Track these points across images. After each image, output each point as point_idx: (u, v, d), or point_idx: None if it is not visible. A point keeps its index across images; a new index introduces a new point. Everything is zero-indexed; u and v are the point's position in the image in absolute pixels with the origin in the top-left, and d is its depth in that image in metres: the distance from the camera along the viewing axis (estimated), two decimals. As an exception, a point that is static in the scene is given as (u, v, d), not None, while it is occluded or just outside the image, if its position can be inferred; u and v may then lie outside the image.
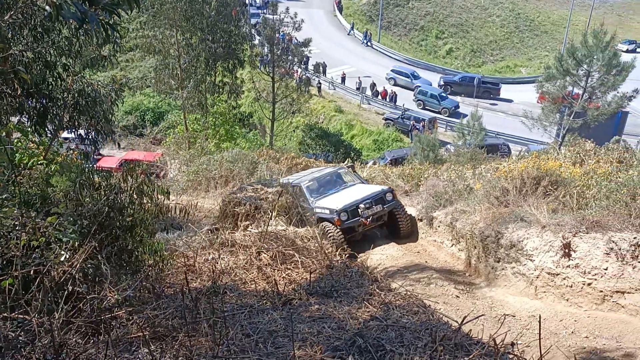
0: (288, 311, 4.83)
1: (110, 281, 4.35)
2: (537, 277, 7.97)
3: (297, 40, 34.87)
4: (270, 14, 34.12)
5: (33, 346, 3.42)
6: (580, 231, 7.46)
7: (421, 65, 48.23)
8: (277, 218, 9.34)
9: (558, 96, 25.79)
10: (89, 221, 4.81)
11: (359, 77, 42.00)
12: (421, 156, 25.22)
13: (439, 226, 11.62)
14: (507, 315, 7.40)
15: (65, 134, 9.57)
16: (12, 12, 6.29)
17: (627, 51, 47.32)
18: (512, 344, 3.79)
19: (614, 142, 14.27)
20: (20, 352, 3.38)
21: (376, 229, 12.60)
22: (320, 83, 41.37)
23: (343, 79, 42.78)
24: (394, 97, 40.55)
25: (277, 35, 32.96)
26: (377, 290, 5.61)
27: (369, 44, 50.40)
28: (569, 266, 7.51)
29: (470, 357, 3.54)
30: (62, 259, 4.19)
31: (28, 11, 6.46)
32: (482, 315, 6.79)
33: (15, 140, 6.78)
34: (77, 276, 4.11)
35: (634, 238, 6.87)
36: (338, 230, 11.57)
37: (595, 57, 23.61)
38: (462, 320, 3.98)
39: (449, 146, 30.52)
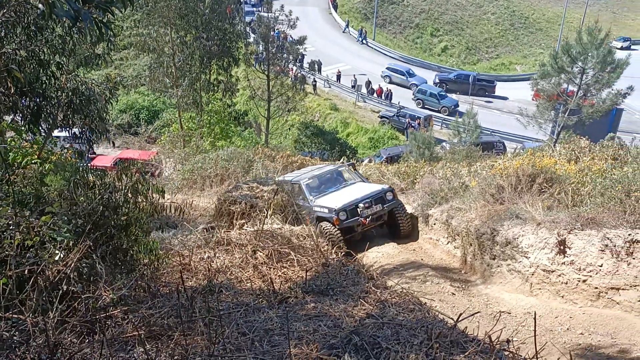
0: (284, 309, 4.82)
1: (105, 280, 4.34)
2: (533, 274, 7.99)
3: (292, 38, 34.81)
4: (265, 11, 34.05)
5: (28, 346, 3.41)
6: (575, 228, 7.48)
7: (416, 63, 48.24)
8: (272, 216, 9.33)
9: (553, 93, 25.81)
10: (83, 220, 4.79)
11: (354, 75, 41.98)
12: (417, 154, 25.25)
13: (434, 224, 11.63)
14: (503, 312, 7.41)
15: (59, 133, 9.52)
16: (4, 10, 6.26)
17: (622, 48, 47.40)
18: (508, 341, 3.80)
19: (608, 139, 14.29)
20: (15, 352, 3.37)
21: (375, 228, 12.38)
22: (315, 81, 41.34)
23: (338, 77, 42.76)
24: (389, 95, 40.55)
25: (272, 33, 32.90)
26: (373, 288, 5.62)
27: (364, 41, 50.37)
28: (564, 263, 7.53)
29: (466, 354, 3.54)
30: (57, 258, 4.17)
31: (21, 9, 6.43)
32: (478, 312, 6.80)
33: (9, 139, 6.75)
34: (71, 275, 4.09)
35: (629, 235, 6.89)
36: (337, 229, 11.37)
37: (589, 54, 23.65)
38: (458, 318, 3.99)
39: (444, 144, 30.55)
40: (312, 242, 7.14)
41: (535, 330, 3.58)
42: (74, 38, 7.84)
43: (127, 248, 5.27)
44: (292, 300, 5.25)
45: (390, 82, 42.80)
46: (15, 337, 3.47)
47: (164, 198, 6.55)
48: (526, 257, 8.10)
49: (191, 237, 7.55)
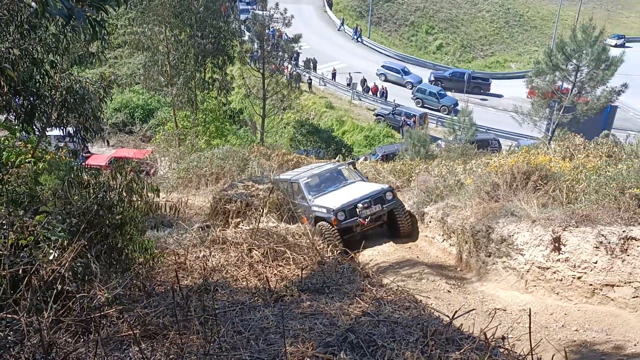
0: (279, 308, 4.82)
1: (100, 280, 4.33)
2: (528, 271, 8.02)
3: (287, 36, 34.76)
4: (259, 9, 33.98)
5: (22, 346, 3.40)
6: (570, 225, 7.50)
7: (411, 61, 48.26)
8: (268, 215, 9.32)
9: (548, 91, 25.89)
10: (77, 219, 4.77)
11: (349, 73, 41.96)
12: (412, 152, 25.28)
13: (430, 221, 11.65)
14: (498, 309, 7.44)
15: (53, 132, 9.48)
16: (-3, 9, 6.22)
17: (616, 46, 47.63)
18: (503, 338, 3.82)
19: (603, 137, 14.34)
20: (9, 352, 3.36)
21: (374, 228, 12.18)
22: (310, 79, 41.28)
23: (334, 75, 42.73)
24: (384, 93, 40.57)
25: (267, 31, 32.84)
26: (369, 286, 5.62)
27: (359, 39, 50.34)
28: (559, 260, 7.55)
29: (462, 351, 3.55)
30: (51, 257, 4.15)
31: (14, 7, 6.39)
32: (473, 309, 6.82)
33: (3, 139, 6.71)
34: (66, 275, 4.08)
35: (623, 231, 6.92)
36: (335, 230, 11.24)
37: (584, 51, 23.72)
38: (453, 315, 4.00)
39: (439, 142, 30.60)
40: (308, 241, 7.14)
41: (530, 327, 3.59)
42: (67, 36, 7.79)
43: (122, 247, 5.26)
44: (288, 299, 5.25)
45: (386, 80, 42.81)
46: (9, 337, 3.46)
47: (159, 197, 6.53)
48: (521, 254, 8.12)
49: (186, 236, 7.54)
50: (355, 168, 13.91)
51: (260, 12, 33.21)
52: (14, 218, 4.28)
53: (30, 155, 6.57)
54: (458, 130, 27.06)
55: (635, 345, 6.10)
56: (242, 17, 39.28)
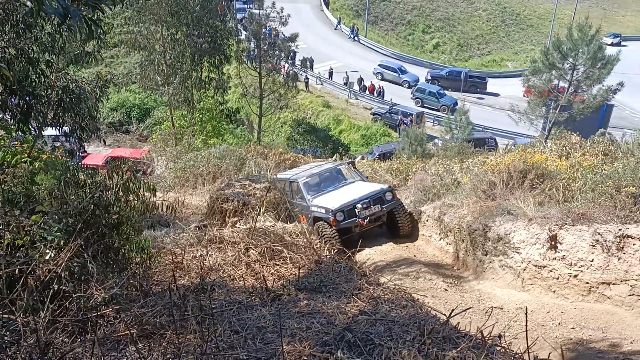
0: (277, 307, 4.82)
1: (96, 279, 4.32)
2: (524, 270, 8.04)
3: (283, 35, 34.74)
4: (256, 8, 33.94)
5: (18, 346, 3.39)
6: (566, 223, 7.52)
7: (408, 59, 48.27)
8: (265, 214, 9.31)
9: (544, 90, 25.92)
10: (74, 219, 4.76)
11: (346, 72, 41.94)
12: (409, 151, 25.31)
13: (427, 220, 11.66)
14: (495, 307, 7.45)
15: (47, 132, 9.46)
16: (-7, 8, 6.20)
17: (612, 44, 47.73)
18: (500, 336, 3.82)
19: (599, 135, 14.35)
20: (6, 352, 3.35)
21: (373, 228, 12.11)
22: (307, 78, 41.27)
23: (330, 74, 42.72)
24: (381, 92, 40.57)
25: (263, 30, 32.81)
26: (366, 284, 5.62)
27: (355, 38, 50.34)
28: (555, 258, 7.57)
29: (458, 349, 3.56)
30: (48, 257, 4.14)
31: (9, 7, 6.37)
32: (470, 308, 6.84)
33: (-1, 138, 6.69)
34: (62, 275, 4.07)
35: (619, 230, 6.94)
36: (334, 231, 11.18)
37: (580, 50, 23.75)
38: (450, 313, 4.00)
39: (436, 140, 30.63)
40: (305, 240, 7.14)
41: (526, 325, 3.60)
42: (63, 36, 7.76)
43: (119, 247, 5.24)
44: (285, 298, 5.24)
45: (382, 79, 42.81)
46: (5, 337, 3.45)
47: (155, 196, 6.52)
48: (518, 252, 8.14)
49: (183, 236, 7.52)
50: (354, 167, 13.81)
51: (257, 11, 33.20)
52: (10, 218, 4.27)
53: (26, 155, 6.56)
54: (455, 129, 27.10)
55: (631, 343, 6.12)
56: (239, 16, 39.28)
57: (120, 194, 5.38)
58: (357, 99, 41.17)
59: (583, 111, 25.14)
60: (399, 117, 36.13)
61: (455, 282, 8.98)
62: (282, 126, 39.40)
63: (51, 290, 3.95)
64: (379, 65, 43.91)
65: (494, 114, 38.14)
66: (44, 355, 3.37)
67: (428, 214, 11.60)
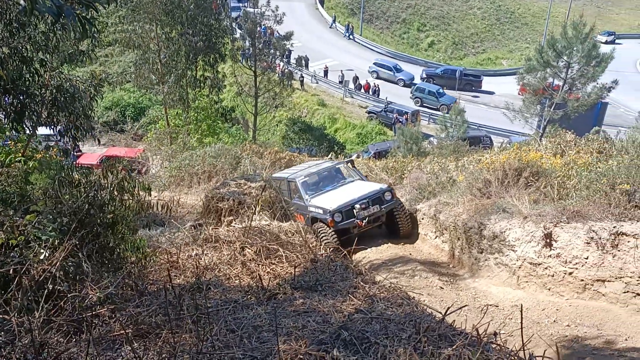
0: (272, 306, 4.81)
1: (91, 279, 4.31)
2: (520, 267, 8.06)
3: (278, 33, 34.68)
4: (251, 7, 33.86)
5: (13, 346, 3.37)
6: (561, 221, 7.54)
7: (403, 58, 48.31)
8: (260, 213, 9.30)
9: (539, 88, 26.01)
10: (68, 219, 4.74)
11: (341, 71, 41.93)
12: (404, 149, 25.35)
13: (422, 218, 11.68)
14: (490, 305, 7.46)
15: (40, 131, 9.42)
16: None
17: (606, 42, 47.91)
18: (495, 334, 3.83)
19: (593, 133, 14.43)
20: (0, 353, 3.33)
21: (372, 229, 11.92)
22: (302, 77, 41.22)
23: (325, 73, 42.70)
24: (376, 91, 40.58)
25: (258, 28, 32.75)
26: (362, 283, 5.62)
27: (351, 37, 50.33)
28: (550, 256, 7.59)
29: (454, 347, 3.56)
30: (42, 257, 4.13)
31: (2, 5, 6.33)
32: (466, 305, 6.84)
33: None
34: (57, 274, 4.05)
35: (614, 227, 6.96)
36: (332, 231, 11.03)
37: (574, 48, 23.85)
38: (446, 311, 4.01)
39: (432, 139, 30.68)
40: (301, 238, 7.14)
41: (522, 323, 3.61)
42: (57, 34, 7.73)
43: (114, 246, 5.22)
44: (281, 297, 5.24)
45: (378, 78, 42.84)
46: (0, 338, 3.43)
47: (150, 195, 6.50)
48: (513, 250, 8.16)
49: (179, 235, 7.51)
50: (353, 166, 13.61)
51: (252, 10, 33.13)
52: (4, 217, 4.25)
53: (20, 155, 6.53)
54: (450, 127, 27.15)
55: (626, 340, 6.15)
56: (234, 14, 39.15)
57: (115, 193, 5.36)
58: (353, 97, 41.17)
59: (577, 109, 25.25)
60: (395, 115, 36.14)
61: (451, 280, 8.99)
62: (277, 125, 39.35)
63: (46, 290, 3.93)
64: (374, 63, 43.92)
65: (489, 112, 38.24)
66: (39, 355, 3.36)
67: (424, 212, 11.62)
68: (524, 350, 3.52)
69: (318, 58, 44.25)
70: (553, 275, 7.57)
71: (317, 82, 42.60)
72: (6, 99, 7.26)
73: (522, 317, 3.63)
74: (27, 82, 7.29)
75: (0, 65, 6.09)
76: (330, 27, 52.05)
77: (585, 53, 23.68)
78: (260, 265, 6.26)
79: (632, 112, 38.23)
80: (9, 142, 7.34)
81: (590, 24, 23.92)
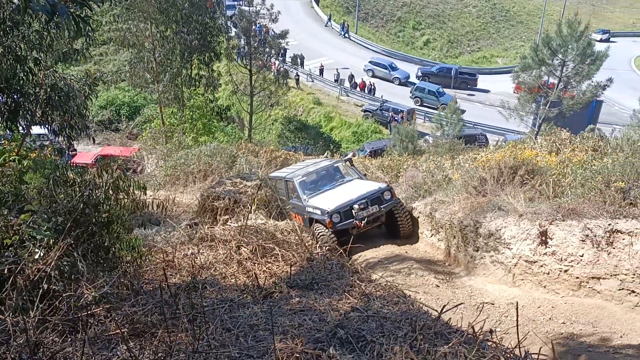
0: (269, 304, 4.81)
1: (86, 278, 4.30)
2: (515, 265, 8.08)
3: (274, 32, 34.62)
4: (246, 5, 33.80)
5: (8, 346, 3.36)
6: (556, 219, 7.56)
7: (399, 56, 48.32)
8: (256, 212, 9.29)
9: (534, 86, 26.04)
10: (63, 218, 4.72)
11: (337, 69, 41.92)
12: (400, 147, 25.38)
13: (418, 217, 11.68)
14: (486, 303, 7.48)
15: (34, 130, 9.39)
16: (-21, 5, 6.13)
17: (601, 40, 48.07)
18: (491, 331, 3.83)
19: (588, 131, 14.45)
20: (-5, 353, 3.32)
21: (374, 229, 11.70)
22: (298, 75, 41.20)
23: (321, 71, 42.66)
24: (372, 89, 40.59)
25: (253, 27, 32.70)
26: (358, 281, 5.62)
27: (346, 35, 50.31)
28: (545, 253, 7.61)
29: (450, 345, 3.57)
30: (37, 256, 4.11)
31: (-4, 4, 6.30)
32: (462, 303, 6.83)
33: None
34: (52, 274, 4.04)
35: (609, 224, 6.99)
36: (330, 232, 10.81)
37: (569, 46, 23.87)
38: (442, 309, 4.01)
39: (427, 137, 30.70)
40: (297, 237, 7.13)
41: (517, 321, 3.61)
42: (51, 33, 7.70)
43: (109, 245, 5.21)
44: (277, 295, 5.24)
45: (373, 76, 42.83)
46: (-5, 338, 3.42)
47: (146, 195, 6.48)
48: (509, 248, 8.18)
49: (174, 234, 7.50)
50: (352, 165, 13.34)
51: (247, 8, 33.07)
52: (-2, 217, 4.23)
53: (14, 154, 6.50)
54: (445, 125, 27.17)
55: (621, 336, 6.17)
56: (229, 13, 39.07)
57: (110, 192, 5.35)
58: (348, 96, 41.16)
59: (572, 107, 25.30)
60: (390, 114, 36.16)
61: (447, 278, 9.01)
62: (273, 124, 39.33)
63: (41, 290, 3.92)
64: (370, 62, 43.91)
65: (485, 111, 38.29)
66: (34, 355, 3.35)
67: (419, 211, 11.62)
68: (519, 347, 3.53)
69: (313, 56, 44.20)
70: (548, 273, 7.59)
71: (312, 81, 42.56)
72: (0, 98, 7.23)
73: (517, 315, 3.63)
74: (21, 81, 7.26)
75: (-6, 64, 6.06)
76: (325, 26, 52.01)
77: (580, 51, 23.72)
78: (256, 264, 6.26)
79: (626, 110, 38.38)
80: (4, 142, 7.31)
81: (585, 22, 23.95)
